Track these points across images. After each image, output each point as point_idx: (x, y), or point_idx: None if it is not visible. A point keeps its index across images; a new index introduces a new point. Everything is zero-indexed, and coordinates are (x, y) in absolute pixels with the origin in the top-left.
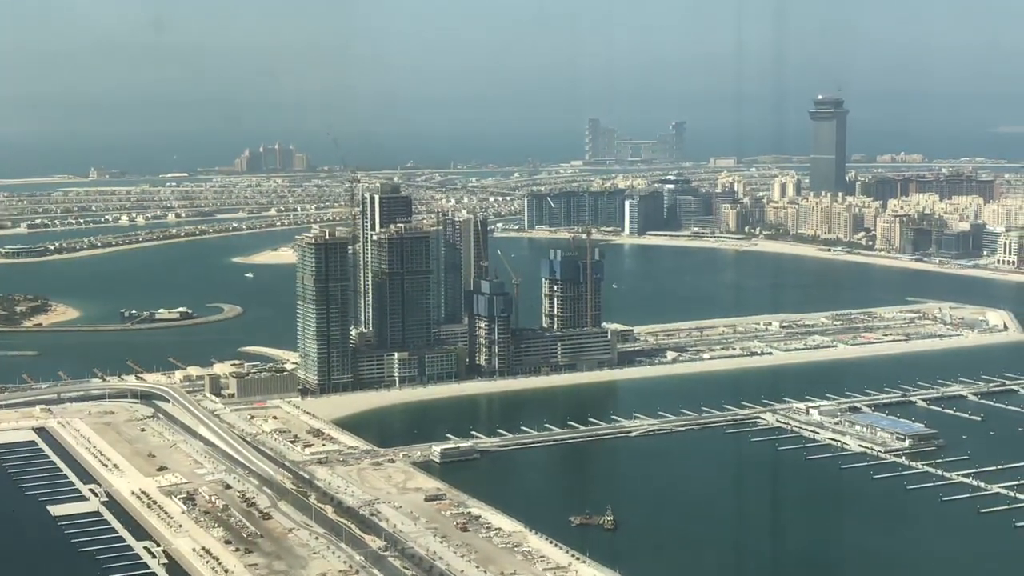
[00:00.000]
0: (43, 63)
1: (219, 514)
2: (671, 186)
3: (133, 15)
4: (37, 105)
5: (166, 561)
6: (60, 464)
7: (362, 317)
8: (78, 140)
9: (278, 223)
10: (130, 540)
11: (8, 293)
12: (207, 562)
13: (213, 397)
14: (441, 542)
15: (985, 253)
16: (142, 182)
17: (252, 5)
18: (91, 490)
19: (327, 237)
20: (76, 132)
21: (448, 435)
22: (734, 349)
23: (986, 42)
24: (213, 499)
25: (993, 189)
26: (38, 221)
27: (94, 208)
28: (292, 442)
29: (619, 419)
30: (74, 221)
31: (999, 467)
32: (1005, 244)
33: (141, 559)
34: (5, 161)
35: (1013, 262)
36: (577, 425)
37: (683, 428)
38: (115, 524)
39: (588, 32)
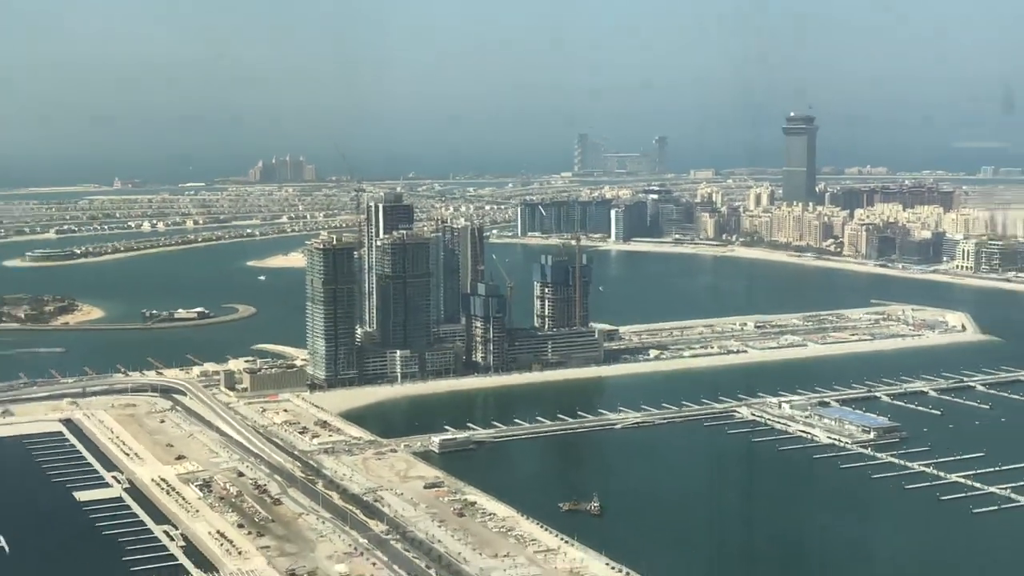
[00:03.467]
0: (69, 80)
1: (233, 500)
2: (654, 196)
3: (153, 36)
4: (64, 119)
5: (184, 544)
6: (85, 453)
7: (367, 317)
8: (102, 152)
9: (289, 229)
10: (150, 524)
11: (37, 294)
12: (222, 545)
13: (228, 391)
14: (439, 527)
15: (945, 259)
16: (162, 191)
17: (262, 29)
18: (114, 477)
19: (335, 243)
20: (100, 145)
21: (446, 427)
22: (712, 347)
23: (945, 66)
24: (228, 486)
25: (952, 200)
26: (66, 227)
27: (118, 215)
28: (301, 433)
29: (605, 412)
30: (99, 227)
31: (957, 458)
32: (963, 251)
33: (160, 542)
34: (35, 171)
35: (971, 268)
36: (566, 418)
37: (664, 421)
38: (136, 509)
39: (577, 55)
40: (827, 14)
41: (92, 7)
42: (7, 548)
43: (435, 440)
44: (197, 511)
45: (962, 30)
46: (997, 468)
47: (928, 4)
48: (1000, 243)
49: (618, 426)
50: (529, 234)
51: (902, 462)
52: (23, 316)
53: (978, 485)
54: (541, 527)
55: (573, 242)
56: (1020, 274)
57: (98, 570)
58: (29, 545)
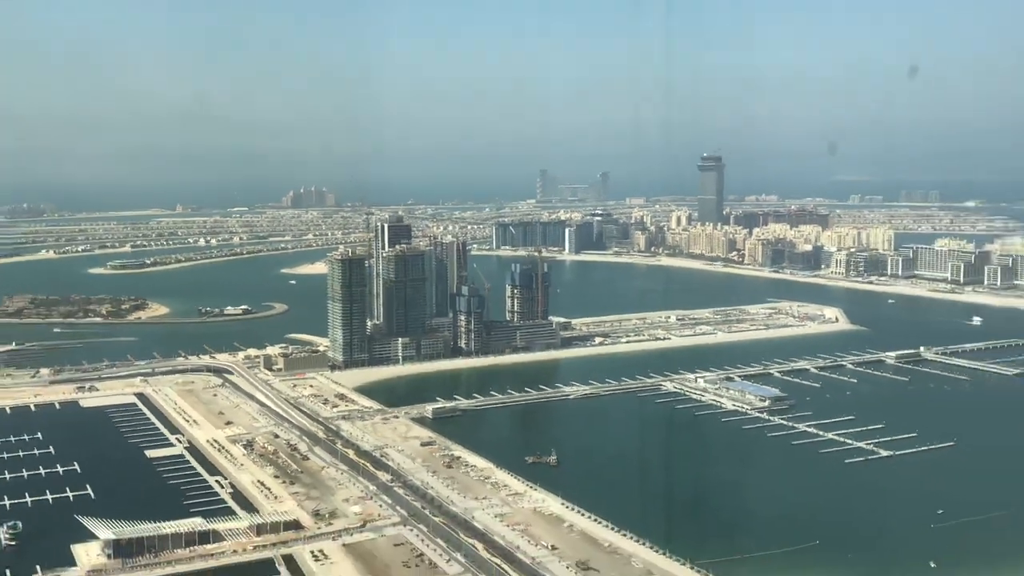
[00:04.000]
0: (141, 128)
1: (270, 456)
2: (598, 218)
3: (208, 94)
4: (136, 157)
5: (231, 491)
6: (154, 420)
7: (375, 312)
8: (167, 183)
9: (314, 244)
10: (205, 475)
11: (116, 295)
12: (262, 491)
13: (266, 371)
14: (432, 476)
15: (823, 267)
16: (214, 214)
17: (294, 89)
18: (176, 439)
19: (350, 255)
20: (166, 178)
21: (437, 398)
22: (643, 335)
23: (821, 115)
24: (266, 445)
25: (828, 221)
26: (138, 243)
27: (179, 233)
28: (324, 403)
29: (561, 386)
30: (165, 243)
31: (833, 420)
32: (837, 260)
33: (213, 489)
34: (114, 198)
35: (842, 273)
36: (530, 391)
37: (607, 393)
38: (194, 463)
39: (538, 108)
40: (734, 74)
41: (164, 73)
42: (93, 495)
43: (429, 408)
44: (242, 465)
45: (828, 88)
46: (863, 428)
47: (809, 70)
48: (865, 254)
49: (571, 397)
50: (502, 248)
51: (790, 424)
52: (105, 312)
53: (849, 441)
54: (511, 475)
55: (536, 254)
56: (880, 278)
57: (165, 511)
58: (111, 493)
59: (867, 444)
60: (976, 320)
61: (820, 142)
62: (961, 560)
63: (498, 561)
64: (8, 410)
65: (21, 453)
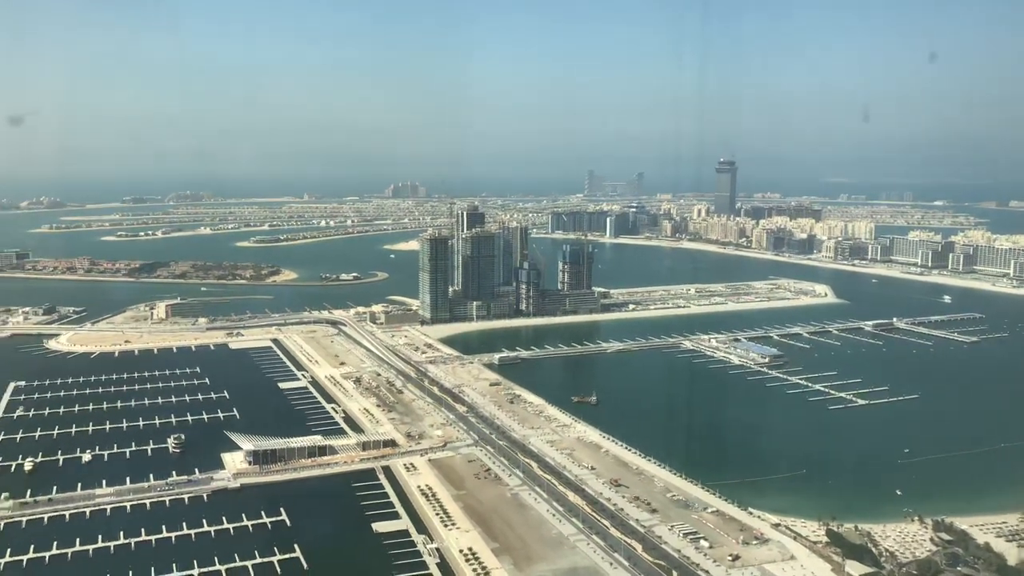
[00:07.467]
0: (280, 133)
1: (374, 390)
2: (634, 209)
3: (329, 107)
4: (277, 157)
5: (343, 415)
6: (285, 359)
7: (455, 280)
8: (297, 176)
9: (409, 227)
10: (323, 403)
11: (257, 263)
12: (367, 416)
13: (371, 324)
14: (498, 409)
15: (815, 252)
16: (333, 202)
17: (393, 102)
18: (302, 375)
19: (437, 235)
20: (297, 172)
21: (503, 348)
22: (668, 304)
23: (814, 126)
24: (370, 381)
25: (820, 214)
26: (275, 223)
27: (305, 216)
28: (415, 350)
29: (600, 342)
30: (295, 223)
31: (819, 375)
32: (826, 246)
33: (329, 414)
34: (257, 188)
35: (831, 257)
36: (576, 345)
37: (638, 349)
38: (316, 394)
39: (587, 118)
40: (749, 94)
41: (303, 92)
42: (238, 416)
43: (496, 356)
44: (352, 396)
45: (821, 105)
46: (844, 381)
47: (807, 91)
48: (850, 242)
49: (608, 351)
50: (556, 232)
51: (785, 376)
52: (248, 276)
53: (832, 392)
54: (560, 411)
55: (583, 237)
56: (862, 261)
57: (293, 430)
58: (253, 414)
59: (847, 394)
60: (947, 298)
61: (816, 151)
62: (922, 489)
63: (549, 477)
64: (175, 349)
65: (184, 383)
